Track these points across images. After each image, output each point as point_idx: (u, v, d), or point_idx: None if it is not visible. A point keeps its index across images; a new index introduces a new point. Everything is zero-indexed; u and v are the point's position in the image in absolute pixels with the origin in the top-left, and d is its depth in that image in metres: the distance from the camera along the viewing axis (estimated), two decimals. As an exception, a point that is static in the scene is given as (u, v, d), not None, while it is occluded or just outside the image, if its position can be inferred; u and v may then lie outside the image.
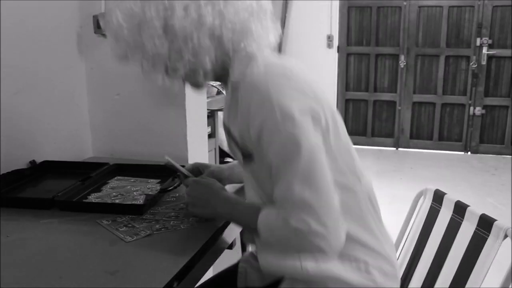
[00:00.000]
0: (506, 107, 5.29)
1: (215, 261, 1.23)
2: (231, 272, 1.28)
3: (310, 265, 1.00)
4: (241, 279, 1.24)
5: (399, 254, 1.58)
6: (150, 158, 1.85)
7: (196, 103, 1.91)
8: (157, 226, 1.16)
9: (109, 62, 1.88)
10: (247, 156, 1.03)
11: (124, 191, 1.43)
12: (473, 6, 5.24)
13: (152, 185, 1.49)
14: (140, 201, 1.33)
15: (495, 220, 1.26)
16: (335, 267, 1.01)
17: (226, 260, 1.37)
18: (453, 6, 5.29)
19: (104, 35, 1.86)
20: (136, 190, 1.44)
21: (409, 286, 1.48)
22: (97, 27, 1.83)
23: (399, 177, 4.56)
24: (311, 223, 0.90)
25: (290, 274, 1.05)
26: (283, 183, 0.94)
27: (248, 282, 1.22)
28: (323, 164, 0.94)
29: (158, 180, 1.53)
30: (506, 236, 1.21)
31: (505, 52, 5.18)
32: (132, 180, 1.55)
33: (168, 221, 1.19)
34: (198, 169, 1.33)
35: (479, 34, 5.23)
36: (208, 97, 2.77)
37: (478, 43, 5.24)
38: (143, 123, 1.89)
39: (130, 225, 1.16)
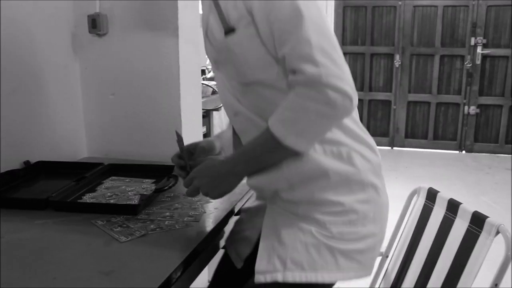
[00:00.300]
0: (500, 106, 5.31)
1: (210, 260, 1.24)
2: (224, 270, 1.30)
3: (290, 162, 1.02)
4: (236, 259, 1.23)
5: (394, 252, 1.59)
6: (145, 158, 1.85)
7: (191, 102, 1.91)
8: (152, 226, 1.16)
9: (104, 62, 1.88)
10: (228, 32, 1.01)
11: (118, 191, 1.43)
12: (467, 6, 5.26)
13: (147, 185, 1.50)
14: (135, 201, 1.33)
15: (487, 217, 1.27)
16: (315, 154, 1.01)
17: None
18: (447, 6, 5.32)
19: (98, 35, 1.86)
20: (131, 190, 1.45)
21: (403, 283, 1.49)
22: (92, 27, 1.83)
23: (395, 176, 4.57)
24: (331, 66, 0.92)
25: (274, 181, 1.05)
26: (293, 39, 0.93)
27: (241, 256, 1.22)
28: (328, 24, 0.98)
29: (153, 180, 1.53)
30: (498, 232, 1.22)
31: (500, 52, 5.21)
32: (127, 180, 1.55)
33: (163, 221, 1.19)
34: (188, 152, 1.27)
35: (474, 34, 5.25)
36: (203, 97, 2.77)
37: (472, 43, 5.26)
38: (138, 123, 1.89)
39: (124, 225, 1.16)
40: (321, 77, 0.91)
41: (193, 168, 1.12)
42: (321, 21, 0.95)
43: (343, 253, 1.02)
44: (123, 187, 1.48)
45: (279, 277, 0.99)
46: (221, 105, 2.88)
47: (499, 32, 5.21)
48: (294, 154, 0.99)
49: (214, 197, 1.09)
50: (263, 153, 1.02)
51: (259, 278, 1.01)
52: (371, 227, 1.06)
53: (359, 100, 5.68)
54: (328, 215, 1.02)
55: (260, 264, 1.03)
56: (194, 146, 1.29)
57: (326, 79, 0.91)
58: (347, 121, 1.04)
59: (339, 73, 0.92)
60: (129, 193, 1.42)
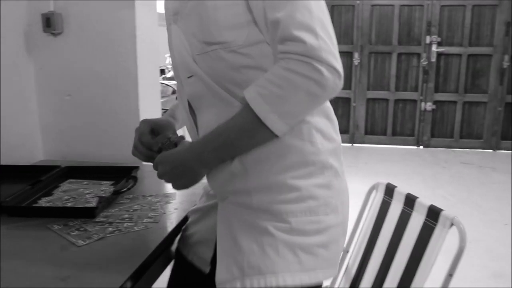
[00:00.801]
0: (455, 102, 5.48)
1: (171, 261, 1.23)
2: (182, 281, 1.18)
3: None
4: (202, 263, 1.11)
5: (354, 247, 1.61)
6: (103, 159, 1.82)
7: (150, 103, 1.89)
8: (110, 228, 1.14)
9: (59, 62, 1.84)
10: None
11: (76, 194, 1.40)
12: (422, 6, 5.40)
13: (106, 187, 1.47)
14: (93, 203, 1.31)
15: (442, 210, 1.31)
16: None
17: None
18: (404, 5, 5.44)
19: (53, 34, 1.81)
20: (89, 192, 1.42)
21: (364, 277, 1.52)
22: (46, 26, 1.79)
23: (355, 172, 4.65)
24: (328, 42, 0.82)
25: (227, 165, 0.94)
26: (291, 3, 0.83)
27: (206, 259, 1.10)
28: None
29: (112, 182, 1.51)
30: (452, 224, 1.26)
31: (453, 50, 5.38)
32: (84, 183, 1.52)
33: (121, 223, 1.18)
34: (151, 133, 1.12)
35: (429, 32, 5.40)
36: (163, 97, 2.74)
37: (428, 41, 5.41)
38: (95, 124, 1.86)
39: (82, 229, 1.14)
40: (321, 51, 0.81)
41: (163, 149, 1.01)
42: None
43: (305, 249, 0.91)
44: (81, 190, 1.45)
45: (238, 285, 0.90)
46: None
47: (452, 31, 5.38)
48: (270, 140, 0.89)
49: (178, 188, 0.98)
50: (237, 137, 0.89)
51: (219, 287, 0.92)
52: (333, 216, 0.95)
53: (320, 98, 5.76)
54: (284, 203, 0.90)
55: (220, 272, 0.93)
56: (157, 128, 1.12)
57: (325, 55, 0.81)
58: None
59: (335, 51, 0.83)
60: (87, 195, 1.39)
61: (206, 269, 1.09)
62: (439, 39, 5.39)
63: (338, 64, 0.83)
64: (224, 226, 0.96)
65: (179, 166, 0.94)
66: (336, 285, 1.63)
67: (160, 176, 0.97)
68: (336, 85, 0.84)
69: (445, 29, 5.39)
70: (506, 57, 5.32)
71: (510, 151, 5.48)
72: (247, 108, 0.85)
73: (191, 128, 1.04)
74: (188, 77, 0.97)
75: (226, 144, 0.90)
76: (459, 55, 5.38)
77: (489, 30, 5.31)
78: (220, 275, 0.93)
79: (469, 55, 5.36)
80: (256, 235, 0.91)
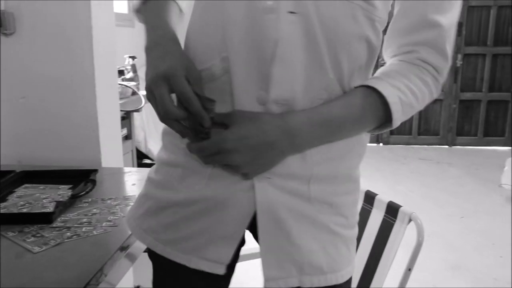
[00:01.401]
0: (412, 100, 5.63)
1: (131, 265, 1.21)
2: None
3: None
4: (215, 268, 0.83)
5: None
6: (61, 163, 1.77)
7: (109, 104, 1.85)
8: (68, 234, 1.12)
9: (12, 63, 1.78)
10: None
11: (32, 199, 1.36)
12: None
13: (64, 191, 1.43)
14: (50, 208, 1.27)
15: (401, 206, 1.34)
16: None
17: (145, 263, 1.35)
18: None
19: (5, 34, 1.75)
20: (46, 197, 1.38)
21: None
22: (-3, 26, 1.73)
23: (317, 171, 4.70)
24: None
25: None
26: (453, 14, 0.80)
27: (222, 259, 0.83)
28: None
29: (70, 186, 1.47)
30: (410, 220, 1.29)
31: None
32: (41, 187, 1.48)
33: (80, 228, 1.15)
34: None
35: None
36: (122, 98, 2.70)
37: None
38: (51, 127, 1.81)
39: (38, 235, 1.11)
40: (446, 71, 0.84)
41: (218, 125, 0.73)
42: None
43: (352, 241, 0.88)
44: (37, 194, 1.41)
45: (295, 283, 0.82)
46: (142, 105, 2.82)
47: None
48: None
49: (251, 177, 0.78)
50: (350, 129, 0.80)
51: (269, 284, 0.81)
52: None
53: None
54: (342, 195, 0.83)
55: (269, 268, 0.81)
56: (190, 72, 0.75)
57: (446, 74, 0.84)
58: None
59: None
60: (43, 200, 1.35)
61: (221, 271, 0.84)
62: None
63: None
64: (271, 218, 0.79)
65: (267, 150, 0.74)
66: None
67: (233, 167, 0.76)
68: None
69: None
70: (459, 56, 5.50)
71: (465, 147, 5.67)
72: (379, 105, 0.78)
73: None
74: (290, 12, 0.72)
75: (335, 132, 0.78)
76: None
77: (443, 30, 5.48)
78: (270, 272, 0.82)
79: (425, 54, 5.51)
80: (315, 232, 0.82)
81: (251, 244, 0.90)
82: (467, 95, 5.64)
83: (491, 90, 5.69)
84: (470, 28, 5.57)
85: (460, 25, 5.38)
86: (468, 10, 5.50)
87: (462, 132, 5.74)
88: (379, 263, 1.35)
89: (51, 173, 1.58)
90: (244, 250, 0.90)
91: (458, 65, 5.52)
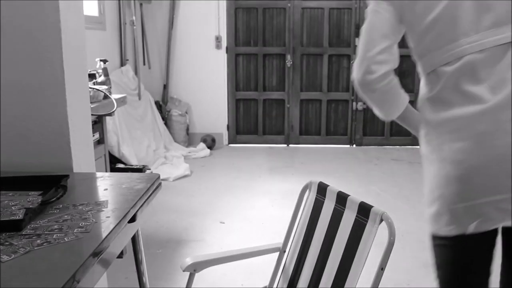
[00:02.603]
0: (384, 101, 5.70)
1: (105, 271, 1.19)
2: None
3: None
4: None
5: (290, 246, 1.64)
6: (31, 169, 1.74)
7: (79, 109, 1.83)
8: (38, 241, 1.10)
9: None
10: None
11: (1, 206, 1.33)
12: (350, 8, 5.58)
13: (33, 198, 1.41)
14: (19, 215, 1.25)
15: (372, 206, 1.36)
16: None
17: (119, 269, 1.33)
18: (333, 8, 5.60)
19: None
20: (15, 204, 1.35)
21: (301, 276, 1.55)
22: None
23: (291, 173, 4.72)
24: None
25: None
26: None
27: None
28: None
29: (40, 192, 1.44)
30: (382, 220, 1.31)
31: (381, 50, 5.59)
32: (10, 194, 1.45)
33: (50, 235, 1.13)
34: None
35: (357, 35, 5.58)
36: (94, 102, 2.67)
37: (356, 43, 5.59)
38: (21, 132, 1.77)
39: (7, 243, 1.08)
40: None
41: None
42: None
43: None
44: (6, 201, 1.38)
45: None
46: (114, 109, 2.79)
47: (379, 32, 5.59)
48: None
49: None
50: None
51: None
52: None
53: (254, 100, 5.83)
54: None
55: None
56: None
57: None
58: None
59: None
60: (12, 207, 1.32)
61: None
62: (367, 41, 5.58)
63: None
64: None
65: None
66: (274, 285, 1.65)
67: None
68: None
69: (372, 31, 5.59)
70: (429, 58, 5.60)
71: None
72: None
73: None
74: None
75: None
76: (386, 56, 5.60)
77: (413, 32, 5.58)
78: None
79: (396, 56, 5.60)
80: None
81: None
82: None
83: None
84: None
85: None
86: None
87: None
88: (352, 263, 1.36)
89: (21, 179, 1.55)
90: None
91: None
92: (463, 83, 1.18)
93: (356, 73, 1.29)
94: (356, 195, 1.46)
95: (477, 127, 1.16)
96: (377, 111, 1.38)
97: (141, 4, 5.42)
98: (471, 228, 1.20)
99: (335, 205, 1.49)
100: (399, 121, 1.40)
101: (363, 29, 1.28)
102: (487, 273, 1.27)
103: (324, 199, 1.54)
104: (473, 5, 1.16)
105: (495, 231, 1.24)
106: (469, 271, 1.28)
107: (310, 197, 1.61)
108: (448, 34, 1.20)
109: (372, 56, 1.27)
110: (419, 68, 1.34)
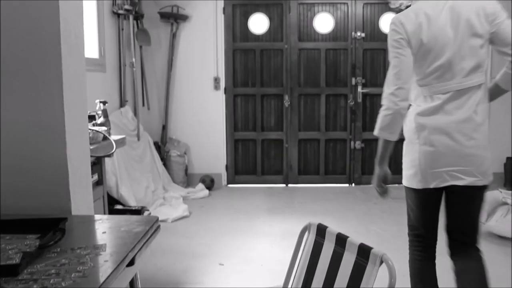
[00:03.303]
0: (382, 140, 5.74)
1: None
2: None
3: None
4: None
5: (290, 289, 1.62)
6: (29, 211, 1.73)
7: (79, 150, 1.84)
8: (35, 286, 1.08)
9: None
10: None
11: (-3, 250, 1.32)
12: (346, 49, 5.69)
13: (31, 241, 1.39)
14: (16, 260, 1.24)
15: (372, 248, 1.35)
16: None
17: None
18: (329, 49, 5.71)
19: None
20: (12, 248, 1.34)
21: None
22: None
23: (290, 213, 4.70)
24: None
25: None
26: None
27: None
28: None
29: (38, 235, 1.43)
30: (382, 262, 1.30)
31: (377, 90, 5.64)
32: (7, 238, 1.43)
33: (47, 280, 1.12)
34: None
35: (354, 74, 5.68)
36: (93, 143, 2.68)
37: (353, 83, 5.68)
38: (20, 174, 1.77)
39: (3, 288, 1.07)
40: None
41: None
42: None
43: None
44: (3, 245, 1.36)
45: None
46: (114, 150, 2.80)
47: (375, 72, 5.69)
48: None
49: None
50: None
51: None
52: None
53: (253, 140, 5.86)
54: None
55: None
56: None
57: None
58: None
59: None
60: (9, 251, 1.31)
61: None
62: (363, 81, 5.67)
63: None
64: None
65: None
66: (275, 328, 1.62)
67: None
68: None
69: (368, 71, 5.70)
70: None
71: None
72: None
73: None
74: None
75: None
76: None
77: (408, 72, 5.68)
78: None
79: (392, 96, 5.68)
80: None
81: None
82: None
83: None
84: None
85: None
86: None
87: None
88: (353, 306, 1.34)
89: (18, 222, 1.54)
90: None
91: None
92: (447, 105, 2.02)
93: (388, 88, 2.06)
94: (356, 234, 1.45)
95: (446, 129, 2.02)
96: (383, 126, 2.19)
97: (141, 47, 5.52)
98: (433, 185, 2.08)
99: (334, 247, 1.48)
100: (385, 145, 2.25)
101: (393, 67, 2.06)
102: (437, 211, 2.20)
103: (324, 241, 1.53)
104: (460, 58, 1.99)
105: (442, 189, 2.10)
106: (427, 209, 2.21)
107: (309, 239, 1.60)
108: (447, 76, 2.01)
109: (402, 83, 2.02)
110: (418, 91, 2.11)
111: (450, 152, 2.01)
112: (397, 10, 2.23)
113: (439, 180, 2.03)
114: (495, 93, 2.13)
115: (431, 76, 2.02)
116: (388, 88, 2.02)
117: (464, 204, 2.11)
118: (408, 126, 2.14)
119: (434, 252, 2.25)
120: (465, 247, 2.15)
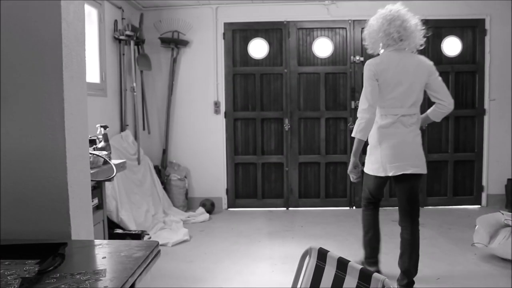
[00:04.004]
0: (382, 163, 5.75)
1: None
2: None
3: None
4: None
5: (291, 315, 1.60)
6: (28, 236, 1.72)
7: (79, 175, 1.84)
8: (34, 312, 1.07)
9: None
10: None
11: (-4, 276, 1.31)
12: (345, 73, 5.74)
13: (30, 267, 1.39)
14: (15, 286, 1.23)
15: (373, 272, 1.34)
16: None
17: None
18: (328, 73, 5.76)
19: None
20: (11, 274, 1.33)
21: None
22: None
23: (291, 237, 4.67)
24: None
25: None
26: None
27: None
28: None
29: (37, 261, 1.43)
30: (383, 286, 1.29)
31: (377, 113, 5.71)
32: (6, 263, 1.43)
33: (46, 306, 1.11)
34: None
35: (353, 98, 5.71)
36: (94, 168, 2.68)
37: (353, 106, 5.71)
38: (20, 198, 1.77)
39: (2, 315, 1.06)
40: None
41: None
42: None
43: None
44: (2, 271, 1.36)
45: None
46: (114, 174, 2.80)
47: (374, 96, 5.72)
48: None
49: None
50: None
51: None
52: None
53: (253, 164, 5.86)
54: None
55: None
56: None
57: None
58: None
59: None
60: (8, 277, 1.30)
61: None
62: (363, 104, 5.70)
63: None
64: None
65: None
66: None
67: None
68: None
69: (368, 94, 5.73)
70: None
71: (436, 207, 5.75)
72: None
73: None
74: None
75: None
76: (383, 118, 5.71)
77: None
78: None
79: (392, 119, 5.71)
80: None
81: None
82: (435, 156, 5.80)
83: (456, 151, 5.88)
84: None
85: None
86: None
87: (432, 193, 5.85)
88: (355, 331, 1.33)
89: (17, 247, 1.54)
90: None
91: (424, 128, 5.71)
92: (399, 122, 3.13)
93: (362, 105, 3.14)
94: (358, 258, 1.44)
95: (399, 136, 3.13)
96: (358, 130, 3.14)
97: (141, 71, 5.57)
98: (389, 173, 3.16)
99: (335, 271, 1.47)
100: (358, 143, 3.17)
101: (366, 90, 3.15)
102: (384, 187, 3.44)
103: (325, 265, 1.52)
104: (407, 95, 3.12)
105: (390, 177, 3.22)
106: (380, 187, 3.40)
107: (310, 263, 1.59)
108: (400, 103, 3.14)
109: (372, 103, 3.13)
110: (380, 112, 3.19)
111: (401, 153, 3.12)
112: (373, 55, 3.35)
113: (394, 170, 3.14)
114: (424, 121, 3.35)
115: (388, 103, 3.13)
116: (362, 105, 3.12)
117: (408, 186, 3.20)
118: (373, 136, 3.23)
119: (378, 206, 3.52)
120: (409, 216, 3.28)
